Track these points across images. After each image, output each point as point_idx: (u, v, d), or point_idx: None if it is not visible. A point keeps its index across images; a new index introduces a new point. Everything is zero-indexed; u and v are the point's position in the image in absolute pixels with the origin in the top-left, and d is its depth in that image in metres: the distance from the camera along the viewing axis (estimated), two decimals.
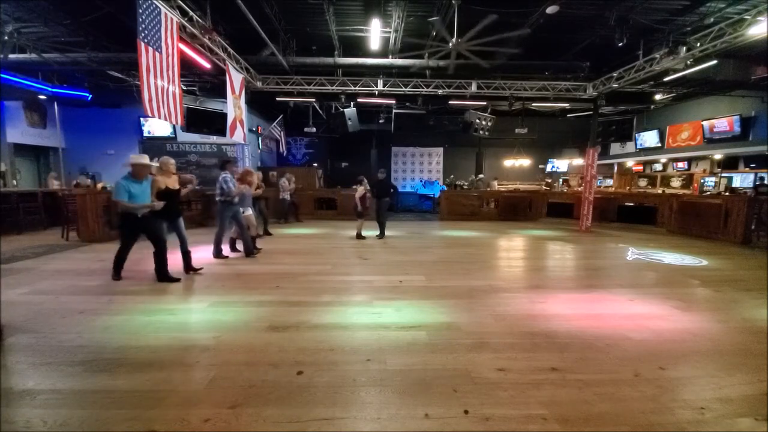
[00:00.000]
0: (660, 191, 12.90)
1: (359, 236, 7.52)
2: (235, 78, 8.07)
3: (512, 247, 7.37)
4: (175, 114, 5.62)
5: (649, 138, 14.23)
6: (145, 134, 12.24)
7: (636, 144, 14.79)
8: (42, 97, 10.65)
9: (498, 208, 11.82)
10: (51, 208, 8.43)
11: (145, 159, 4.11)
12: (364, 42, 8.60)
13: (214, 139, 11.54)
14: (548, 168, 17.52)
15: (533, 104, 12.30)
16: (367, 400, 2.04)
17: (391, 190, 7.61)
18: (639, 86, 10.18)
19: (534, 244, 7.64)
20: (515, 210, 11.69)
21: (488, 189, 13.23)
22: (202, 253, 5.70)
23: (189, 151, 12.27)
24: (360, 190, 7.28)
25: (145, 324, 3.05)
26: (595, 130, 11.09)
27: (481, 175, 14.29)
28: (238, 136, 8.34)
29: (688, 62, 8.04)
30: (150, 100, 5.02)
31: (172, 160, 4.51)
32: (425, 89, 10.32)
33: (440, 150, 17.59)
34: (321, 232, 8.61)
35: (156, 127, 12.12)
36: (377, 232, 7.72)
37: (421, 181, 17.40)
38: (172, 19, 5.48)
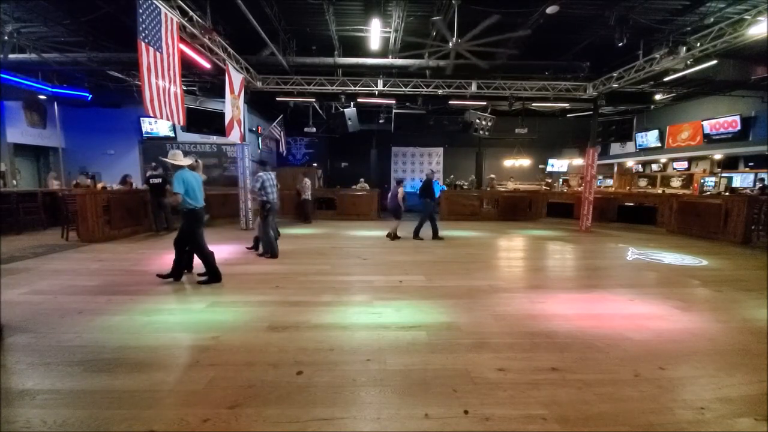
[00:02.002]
0: (660, 191, 12.89)
1: (396, 236, 7.60)
2: (235, 78, 8.07)
3: (512, 247, 7.37)
4: (177, 114, 5.61)
5: (649, 138, 14.22)
6: (145, 134, 12.23)
7: (636, 144, 14.79)
8: (42, 97, 10.64)
9: (498, 208, 11.82)
10: (51, 208, 8.43)
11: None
12: (364, 42, 8.59)
13: (214, 139, 11.54)
14: (548, 168, 17.50)
15: (533, 104, 12.28)
16: (367, 400, 2.04)
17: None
18: (639, 86, 10.16)
19: (534, 244, 7.63)
20: (515, 210, 11.68)
21: (504, 188, 13.23)
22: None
23: (189, 151, 12.19)
24: (401, 191, 7.35)
25: (145, 324, 3.04)
26: (595, 130, 11.06)
27: (492, 176, 14.29)
28: (235, 135, 8.33)
29: (688, 62, 8.03)
30: (151, 101, 5.02)
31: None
32: (425, 89, 10.31)
33: (440, 150, 17.56)
34: (321, 232, 8.61)
35: (153, 126, 12.12)
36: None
37: (421, 181, 17.40)
38: (172, 19, 5.47)
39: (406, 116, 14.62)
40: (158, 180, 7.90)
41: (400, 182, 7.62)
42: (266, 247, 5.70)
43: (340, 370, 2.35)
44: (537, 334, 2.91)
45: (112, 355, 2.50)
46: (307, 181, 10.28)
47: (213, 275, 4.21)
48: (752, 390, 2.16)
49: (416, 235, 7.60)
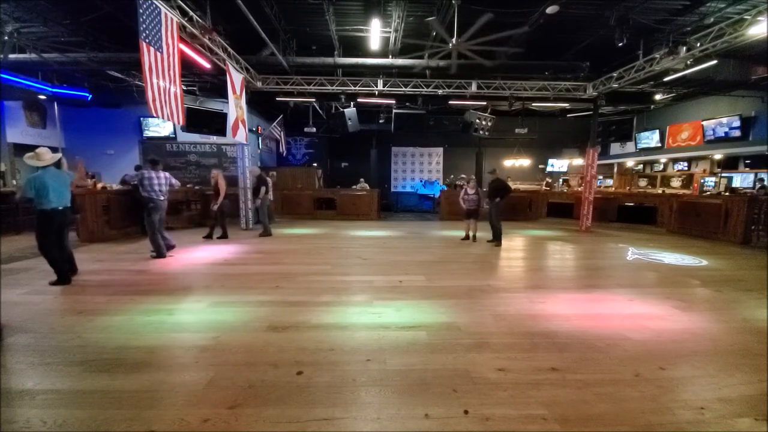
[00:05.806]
0: (660, 191, 12.89)
1: (472, 238, 7.57)
2: (236, 78, 8.06)
3: (512, 247, 7.36)
4: (176, 114, 5.62)
5: (649, 138, 14.22)
6: (146, 134, 12.24)
7: (636, 144, 14.79)
8: (42, 97, 10.63)
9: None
10: None
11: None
12: (364, 42, 8.59)
13: (213, 139, 11.53)
14: (548, 168, 17.50)
15: (533, 104, 12.27)
16: (367, 400, 2.04)
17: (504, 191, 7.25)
18: (639, 86, 10.15)
19: (534, 244, 7.63)
20: (515, 210, 11.67)
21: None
22: (201, 253, 5.71)
23: (189, 151, 12.27)
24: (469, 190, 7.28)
25: (144, 324, 3.04)
26: (595, 130, 11.03)
27: (462, 175, 14.19)
28: (240, 136, 8.33)
29: (688, 62, 8.02)
30: (154, 100, 5.03)
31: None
32: (425, 89, 10.30)
33: (440, 150, 17.56)
34: (321, 232, 8.60)
35: (155, 126, 12.13)
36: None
37: (421, 181, 17.40)
38: (172, 20, 5.46)
39: (406, 116, 14.62)
40: (134, 182, 7.75)
41: (468, 181, 7.50)
42: (154, 246, 5.48)
43: (340, 370, 2.35)
44: (537, 334, 2.91)
45: (112, 355, 2.50)
46: (270, 181, 10.06)
47: (60, 276, 4.03)
48: (752, 390, 2.16)
49: (498, 239, 7.25)
